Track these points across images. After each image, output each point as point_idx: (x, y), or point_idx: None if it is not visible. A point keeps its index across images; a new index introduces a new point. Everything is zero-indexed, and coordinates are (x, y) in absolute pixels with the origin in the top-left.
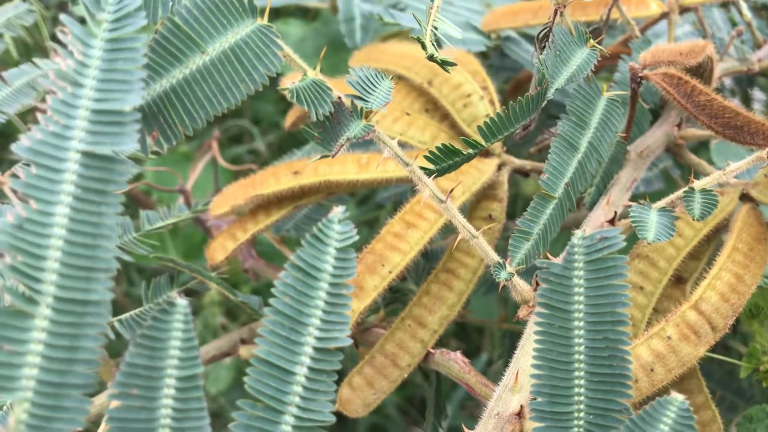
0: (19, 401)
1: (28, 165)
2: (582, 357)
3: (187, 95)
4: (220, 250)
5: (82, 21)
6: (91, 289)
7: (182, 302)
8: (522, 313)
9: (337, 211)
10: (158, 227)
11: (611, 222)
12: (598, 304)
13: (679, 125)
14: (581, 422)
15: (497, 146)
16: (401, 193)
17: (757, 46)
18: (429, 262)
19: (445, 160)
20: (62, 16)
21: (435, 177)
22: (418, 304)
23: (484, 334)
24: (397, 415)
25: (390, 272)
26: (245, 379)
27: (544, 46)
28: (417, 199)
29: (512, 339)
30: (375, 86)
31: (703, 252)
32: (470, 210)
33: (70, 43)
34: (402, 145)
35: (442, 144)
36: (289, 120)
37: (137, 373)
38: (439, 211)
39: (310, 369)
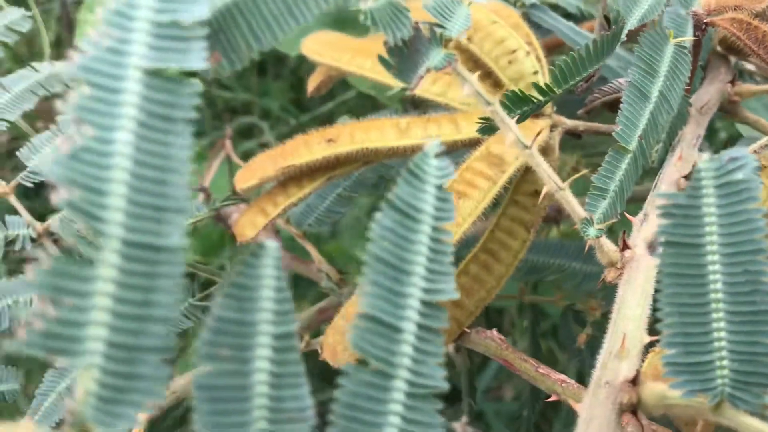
0: (86, 367)
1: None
2: (719, 296)
3: (251, 12)
4: (249, 226)
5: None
6: (164, 232)
7: (272, 245)
8: (610, 275)
9: (433, 144)
10: None
11: (687, 177)
12: (734, 233)
13: (732, 81)
14: (725, 371)
15: (547, 106)
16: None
17: None
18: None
19: (520, 107)
20: None
21: (517, 122)
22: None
23: (504, 316)
24: None
25: None
26: (349, 336)
27: None
28: (467, 165)
29: (535, 313)
30: (452, 12)
31: None
32: (517, 184)
33: None
34: (442, 106)
35: (511, 90)
36: (311, 85)
37: (227, 330)
38: (493, 179)
39: (419, 326)
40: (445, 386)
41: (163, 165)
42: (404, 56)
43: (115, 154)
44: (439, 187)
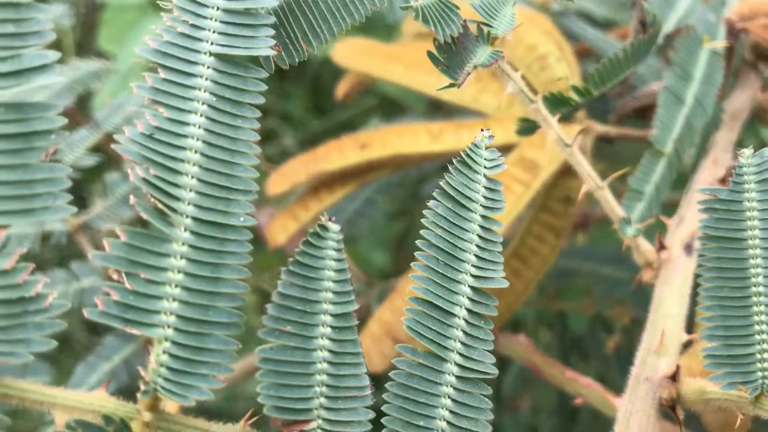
0: (158, 339)
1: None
2: (761, 289)
3: (309, 7)
4: (281, 231)
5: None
6: (231, 212)
7: (335, 227)
8: (646, 275)
9: (483, 135)
10: None
11: (722, 181)
12: None
13: (763, 89)
14: (765, 364)
15: (580, 112)
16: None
17: None
18: None
19: (559, 108)
20: None
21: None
22: None
23: (521, 325)
24: None
25: None
26: (404, 319)
27: None
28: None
29: (562, 319)
30: (498, 11)
31: None
32: (548, 190)
33: None
34: (474, 112)
35: (549, 92)
36: (341, 91)
37: (291, 307)
38: (527, 183)
39: (469, 312)
40: (495, 372)
41: (231, 147)
42: (452, 53)
43: (187, 135)
44: (490, 178)
